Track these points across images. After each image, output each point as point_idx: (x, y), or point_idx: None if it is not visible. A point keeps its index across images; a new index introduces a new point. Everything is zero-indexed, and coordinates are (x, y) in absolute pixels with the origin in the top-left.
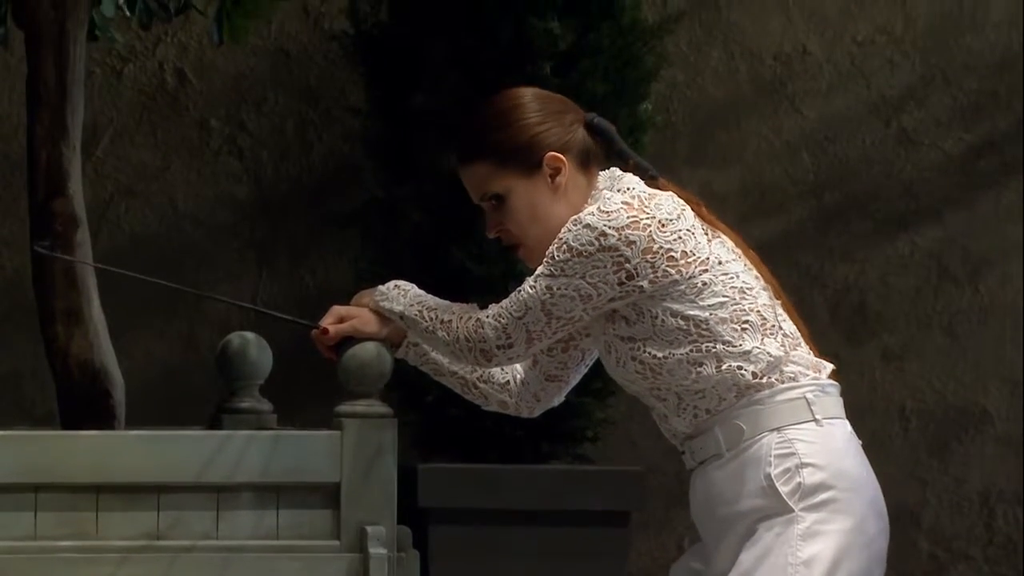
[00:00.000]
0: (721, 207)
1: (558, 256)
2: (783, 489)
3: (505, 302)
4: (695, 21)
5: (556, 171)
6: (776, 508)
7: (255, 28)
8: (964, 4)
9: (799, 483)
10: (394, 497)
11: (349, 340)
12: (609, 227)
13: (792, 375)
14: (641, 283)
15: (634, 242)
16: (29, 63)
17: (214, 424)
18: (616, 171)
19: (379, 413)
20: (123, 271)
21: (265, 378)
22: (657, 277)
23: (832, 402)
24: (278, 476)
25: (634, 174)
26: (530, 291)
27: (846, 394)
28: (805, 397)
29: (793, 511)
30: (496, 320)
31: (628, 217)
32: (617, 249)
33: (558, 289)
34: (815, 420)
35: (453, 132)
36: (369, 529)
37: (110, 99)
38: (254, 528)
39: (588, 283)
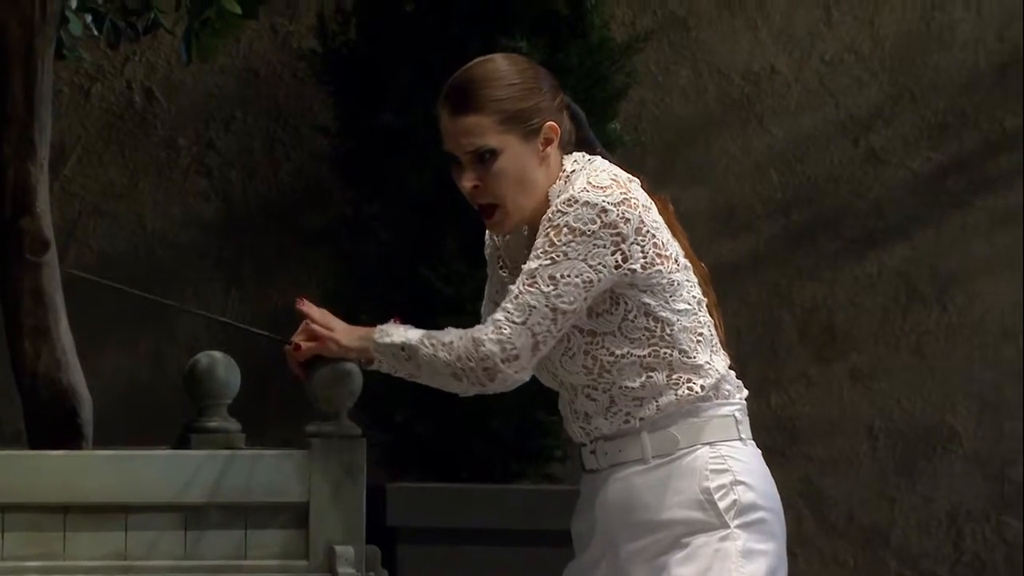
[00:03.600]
0: (690, 225)
1: (559, 240)
2: (721, 504)
3: (500, 313)
4: (664, 40)
5: (548, 141)
6: (711, 523)
7: (223, 47)
8: (931, 24)
9: (735, 500)
10: (363, 517)
11: (319, 358)
12: (607, 202)
13: (727, 393)
14: (634, 266)
15: (629, 220)
16: None
17: (182, 444)
18: (585, 154)
19: (348, 433)
20: (113, 284)
21: (233, 397)
22: (647, 263)
23: (748, 424)
24: (247, 496)
25: None
26: (530, 289)
27: (815, 412)
28: (734, 415)
29: (729, 527)
30: (497, 332)
31: (621, 193)
32: (616, 226)
33: (562, 277)
34: (741, 439)
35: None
36: (338, 549)
37: (78, 118)
38: (223, 548)
39: (590, 266)
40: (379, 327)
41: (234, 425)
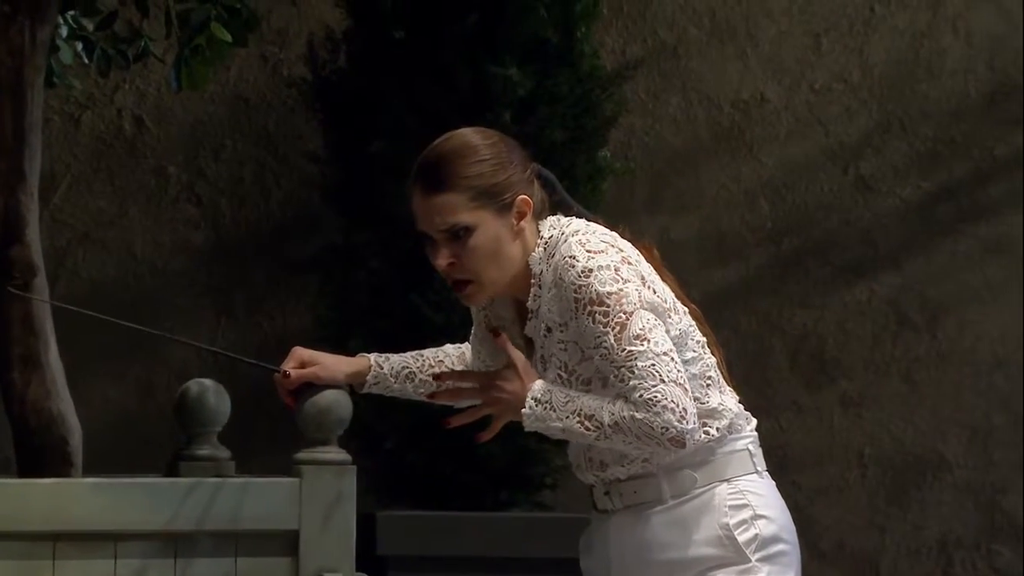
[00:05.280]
0: (679, 254)
1: (606, 306)
2: (741, 539)
3: (634, 393)
4: (653, 68)
5: (521, 215)
6: (732, 558)
7: (213, 75)
8: (920, 52)
9: (756, 534)
10: (353, 544)
11: (309, 386)
12: (612, 262)
13: (739, 428)
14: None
15: (634, 276)
16: None
17: (172, 471)
18: (561, 217)
19: (338, 460)
20: (96, 314)
21: (223, 425)
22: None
23: (762, 455)
24: (236, 523)
25: None
26: (631, 359)
27: (805, 439)
28: (748, 449)
29: (750, 561)
30: (651, 405)
31: (617, 252)
32: (633, 280)
33: (642, 329)
34: (757, 472)
35: (413, 166)
36: None
37: (68, 146)
38: None
39: (646, 310)
40: (524, 413)
41: (224, 452)
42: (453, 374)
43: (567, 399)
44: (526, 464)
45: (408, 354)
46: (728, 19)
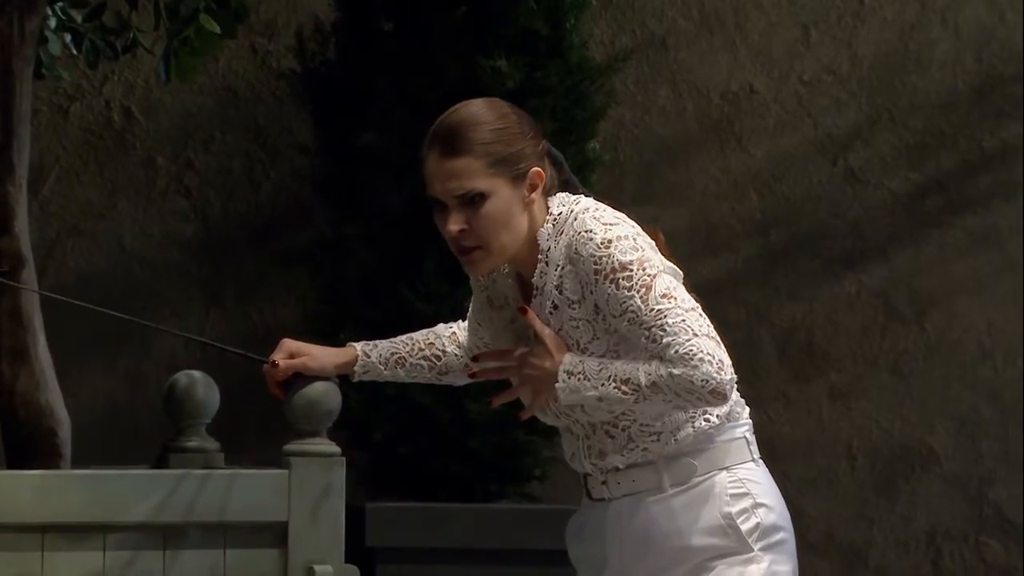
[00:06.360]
0: (669, 245)
1: (630, 272)
2: (743, 527)
3: (668, 351)
4: (643, 60)
5: (533, 187)
6: (735, 547)
7: (202, 66)
8: (909, 44)
9: (757, 523)
10: (342, 536)
11: (298, 377)
12: (629, 232)
13: (736, 415)
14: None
15: (648, 246)
16: None
17: (161, 463)
18: (569, 195)
19: (327, 452)
20: (81, 303)
21: (212, 417)
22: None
23: (755, 441)
24: (225, 515)
25: None
26: (662, 317)
27: (794, 431)
28: (745, 437)
29: (753, 550)
30: (688, 359)
31: (631, 227)
32: (648, 249)
33: (668, 288)
34: (753, 460)
35: (428, 132)
36: (317, 568)
37: (57, 137)
38: (201, 567)
39: (667, 272)
40: (558, 387)
41: (213, 444)
42: (491, 354)
43: (600, 366)
44: (514, 456)
45: (398, 339)
46: (717, 11)
